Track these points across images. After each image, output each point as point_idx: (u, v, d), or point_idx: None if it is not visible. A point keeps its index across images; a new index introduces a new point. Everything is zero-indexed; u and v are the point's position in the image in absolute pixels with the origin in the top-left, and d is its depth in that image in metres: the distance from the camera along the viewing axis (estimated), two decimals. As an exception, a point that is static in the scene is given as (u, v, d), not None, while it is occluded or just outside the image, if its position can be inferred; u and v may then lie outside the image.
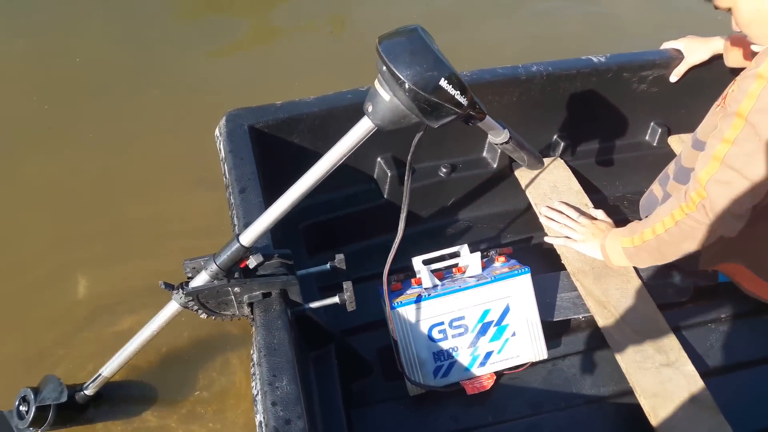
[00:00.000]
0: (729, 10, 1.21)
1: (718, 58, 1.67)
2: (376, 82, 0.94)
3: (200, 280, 1.10)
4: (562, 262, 1.55)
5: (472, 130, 1.18)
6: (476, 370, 1.38)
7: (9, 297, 1.74)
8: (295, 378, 1.01)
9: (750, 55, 1.55)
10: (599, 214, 1.60)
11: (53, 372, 1.49)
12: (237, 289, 1.11)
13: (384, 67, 0.90)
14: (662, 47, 1.75)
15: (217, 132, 1.45)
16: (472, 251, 1.44)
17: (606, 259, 1.49)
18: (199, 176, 2.04)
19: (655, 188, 1.61)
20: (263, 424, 0.97)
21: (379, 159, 1.64)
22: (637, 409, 1.30)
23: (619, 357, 1.37)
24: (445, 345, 1.36)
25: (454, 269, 1.43)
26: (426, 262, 1.40)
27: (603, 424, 1.37)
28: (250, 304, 1.13)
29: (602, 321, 1.43)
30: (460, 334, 1.36)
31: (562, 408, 1.39)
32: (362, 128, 0.98)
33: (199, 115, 2.06)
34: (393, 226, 1.67)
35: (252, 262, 1.10)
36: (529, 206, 1.71)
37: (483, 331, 1.37)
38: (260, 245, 1.19)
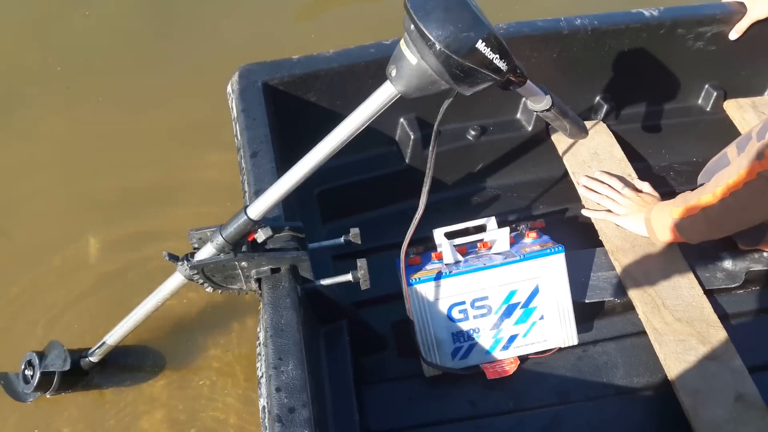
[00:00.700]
0: None
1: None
2: (402, 42, 0.81)
3: (206, 252, 1.03)
4: (600, 238, 1.42)
5: (505, 87, 1.05)
6: (498, 354, 1.28)
7: (20, 256, 1.69)
8: (302, 362, 0.94)
9: None
10: (645, 186, 1.45)
11: (61, 336, 1.48)
12: (244, 264, 1.03)
13: (411, 26, 0.77)
14: (723, 0, 1.57)
15: (229, 89, 1.34)
16: (500, 223, 1.33)
17: (651, 234, 1.35)
18: (214, 137, 1.94)
19: (731, 151, 1.40)
20: (266, 410, 0.90)
21: (401, 120, 1.51)
22: (675, 405, 1.19)
23: (657, 346, 1.25)
24: (465, 326, 1.26)
25: (479, 244, 1.32)
26: (449, 236, 1.29)
27: (635, 419, 1.26)
28: (258, 280, 1.06)
29: (641, 305, 1.30)
30: (482, 315, 1.26)
31: (590, 398, 1.29)
32: (384, 95, 0.87)
33: (215, 70, 1.94)
34: (414, 193, 1.55)
35: (260, 236, 1.01)
36: (566, 175, 1.57)
37: (508, 312, 1.26)
38: (271, 216, 1.10)
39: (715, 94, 1.66)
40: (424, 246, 1.36)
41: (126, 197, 1.83)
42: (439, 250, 1.29)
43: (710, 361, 1.23)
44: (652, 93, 1.65)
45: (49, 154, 1.94)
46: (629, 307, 1.34)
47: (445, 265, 1.26)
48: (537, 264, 1.24)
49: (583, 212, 1.47)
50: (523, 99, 1.55)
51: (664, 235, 1.32)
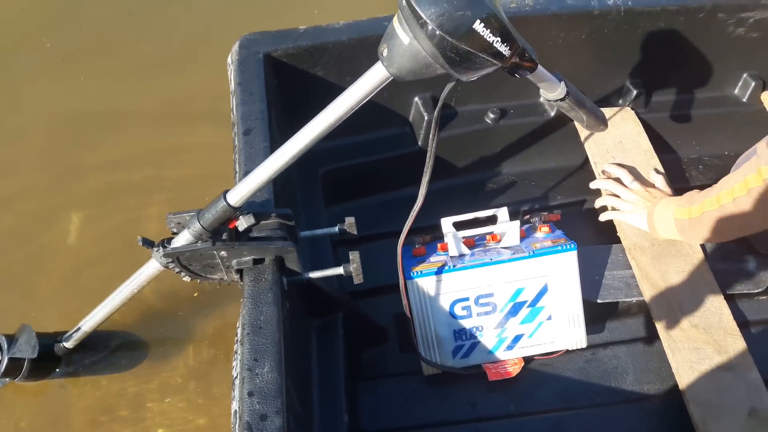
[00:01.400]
0: None
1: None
2: (395, 19, 0.73)
3: (182, 239, 0.95)
4: (618, 234, 1.34)
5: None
6: (501, 354, 1.22)
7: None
8: (280, 364, 0.87)
9: None
10: (658, 180, 1.36)
11: (34, 319, 1.42)
12: (223, 253, 0.96)
13: (404, 1, 0.69)
14: None
15: (229, 59, 1.27)
16: (514, 213, 1.26)
17: (651, 229, 1.27)
18: (212, 108, 1.86)
19: (761, 147, 1.32)
20: (237, 415, 0.84)
21: (416, 99, 1.43)
22: (685, 416, 1.12)
23: (670, 353, 1.18)
24: (468, 323, 1.19)
25: (488, 236, 1.25)
26: (457, 226, 1.22)
27: (641, 428, 1.20)
28: (240, 271, 0.98)
29: (656, 308, 1.23)
30: (486, 313, 1.19)
31: (596, 404, 1.22)
32: (375, 77, 0.79)
33: (217, 41, 1.86)
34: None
35: (242, 223, 0.94)
36: (587, 164, 1.48)
37: (514, 311, 1.19)
38: (258, 201, 1.03)
39: (753, 84, 1.54)
40: (431, 235, 1.29)
41: (113, 170, 1.76)
42: (445, 240, 1.22)
43: (725, 372, 1.16)
44: (685, 80, 1.54)
45: (37, 125, 1.88)
46: (643, 309, 1.27)
47: (450, 258, 1.20)
48: (547, 261, 1.16)
49: (597, 205, 1.39)
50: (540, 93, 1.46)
51: (664, 232, 1.25)
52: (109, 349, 1.41)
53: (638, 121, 1.51)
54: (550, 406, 1.22)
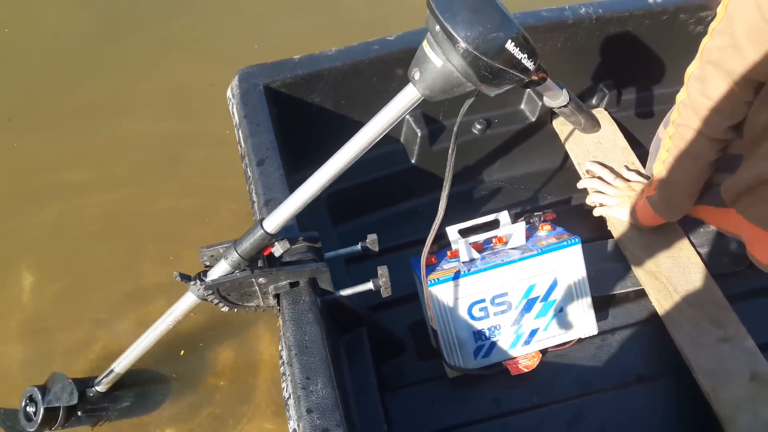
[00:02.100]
0: None
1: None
2: (425, 43, 0.78)
3: (220, 270, 0.98)
4: (609, 228, 1.42)
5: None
6: (520, 349, 1.28)
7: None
8: (332, 380, 0.90)
9: None
10: (632, 175, 1.46)
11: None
12: (262, 280, 0.99)
13: (437, 27, 0.74)
14: None
15: (229, 93, 1.30)
16: (512, 216, 1.32)
17: (636, 221, 1.37)
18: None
19: (660, 132, 1.42)
20: None
21: (407, 117, 1.48)
22: (695, 387, 1.21)
23: (672, 332, 1.27)
24: (486, 324, 1.25)
25: (494, 240, 1.31)
26: (462, 233, 1.28)
27: (657, 404, 1.27)
28: (276, 295, 1.01)
29: (654, 293, 1.31)
30: (502, 312, 1.25)
31: (612, 387, 1.29)
32: (407, 98, 0.83)
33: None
34: (421, 191, 1.56)
35: (278, 249, 0.98)
36: (569, 163, 1.57)
37: (528, 307, 1.26)
38: (285, 227, 1.06)
39: None
40: (438, 245, 1.34)
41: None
42: (454, 248, 1.28)
43: (724, 343, 1.24)
44: (653, 79, 1.64)
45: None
46: (642, 294, 1.35)
47: (462, 263, 1.25)
48: (555, 257, 1.23)
49: (588, 202, 1.47)
50: (527, 90, 1.54)
51: (647, 220, 1.34)
52: (136, 389, 1.41)
53: (613, 120, 1.61)
54: (570, 393, 1.28)
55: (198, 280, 0.99)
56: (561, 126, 1.59)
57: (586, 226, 1.47)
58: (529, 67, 0.77)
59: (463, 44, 0.73)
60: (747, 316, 1.29)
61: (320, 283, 1.04)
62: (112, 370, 1.27)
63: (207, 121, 1.96)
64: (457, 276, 1.21)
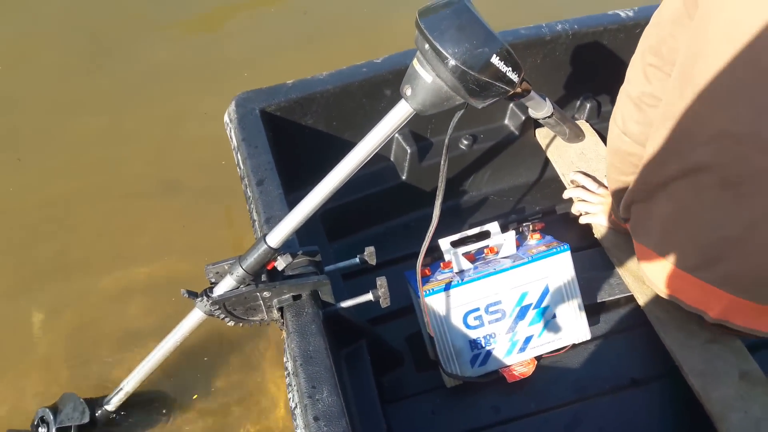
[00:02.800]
0: None
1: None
2: (415, 61, 0.83)
3: (226, 285, 1.02)
4: (595, 236, 1.47)
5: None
6: (515, 356, 1.31)
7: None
8: (336, 388, 0.93)
9: None
10: None
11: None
12: (266, 294, 1.02)
13: (426, 45, 0.79)
14: None
15: (226, 118, 1.34)
16: (501, 227, 1.36)
17: (616, 226, 1.42)
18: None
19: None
20: None
21: (397, 135, 1.53)
22: (686, 388, 1.23)
23: (662, 335, 1.30)
24: (481, 332, 1.28)
25: (485, 250, 1.35)
26: (454, 244, 1.32)
27: (652, 406, 1.30)
28: (280, 309, 1.05)
29: (642, 298, 1.35)
30: (497, 320, 1.28)
31: (606, 391, 1.32)
32: (400, 113, 0.87)
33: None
34: (412, 207, 1.60)
35: (281, 263, 1.01)
36: (553, 174, 1.62)
37: (521, 315, 1.29)
38: (287, 242, 1.10)
39: None
40: (431, 257, 1.37)
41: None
42: (447, 259, 1.31)
43: (712, 343, 1.27)
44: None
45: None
46: (632, 299, 1.38)
47: (456, 273, 1.29)
48: (545, 264, 1.27)
49: (573, 211, 1.52)
50: (511, 105, 1.59)
51: (621, 223, 1.37)
52: (145, 407, 1.42)
53: (594, 132, 1.66)
54: (566, 398, 1.31)
55: (205, 296, 1.02)
56: (544, 139, 1.65)
57: (573, 234, 1.52)
58: (514, 80, 0.82)
59: (451, 60, 0.77)
60: None
61: (322, 296, 1.08)
62: (121, 389, 1.29)
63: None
64: (450, 286, 1.24)
